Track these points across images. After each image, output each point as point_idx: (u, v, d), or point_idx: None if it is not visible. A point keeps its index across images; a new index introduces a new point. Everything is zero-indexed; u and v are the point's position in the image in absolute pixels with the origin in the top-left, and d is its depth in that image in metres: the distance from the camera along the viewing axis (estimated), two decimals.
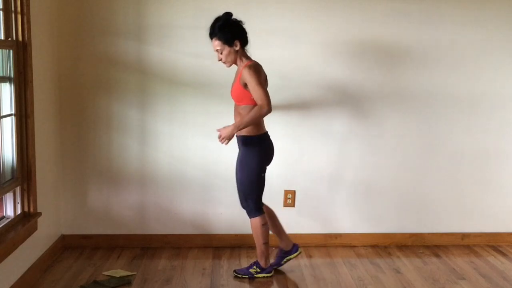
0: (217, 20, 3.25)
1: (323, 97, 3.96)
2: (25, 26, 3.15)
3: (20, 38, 3.15)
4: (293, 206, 4.07)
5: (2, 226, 3.06)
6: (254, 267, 3.52)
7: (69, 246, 3.95)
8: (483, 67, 4.05)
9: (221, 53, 3.26)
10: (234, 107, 3.39)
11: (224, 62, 3.31)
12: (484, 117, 4.11)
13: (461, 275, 3.66)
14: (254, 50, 3.85)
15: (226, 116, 3.81)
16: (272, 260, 3.65)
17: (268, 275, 3.53)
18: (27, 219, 3.26)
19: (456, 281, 3.56)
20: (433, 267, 3.80)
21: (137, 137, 3.90)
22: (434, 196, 4.16)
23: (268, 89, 3.86)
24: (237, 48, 3.25)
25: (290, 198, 4.05)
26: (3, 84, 3.11)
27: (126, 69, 3.81)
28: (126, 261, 3.75)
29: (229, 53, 3.25)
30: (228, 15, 3.27)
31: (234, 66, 3.36)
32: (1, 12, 3.06)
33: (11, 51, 3.11)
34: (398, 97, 4.01)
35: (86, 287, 3.31)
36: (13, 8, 3.11)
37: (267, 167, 3.48)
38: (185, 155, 3.95)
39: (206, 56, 3.76)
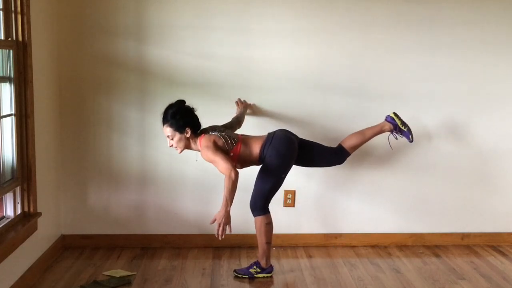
0: (170, 107, 3.36)
1: (323, 97, 3.96)
2: (25, 26, 3.15)
3: (20, 38, 3.15)
4: (293, 206, 4.07)
5: (2, 226, 3.06)
6: (254, 267, 3.53)
7: (69, 246, 3.95)
8: (484, 67, 4.05)
9: (172, 139, 3.36)
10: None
11: (175, 148, 3.40)
12: (484, 117, 4.11)
13: (461, 275, 3.66)
14: (254, 50, 3.86)
15: (225, 116, 3.81)
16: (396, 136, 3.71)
17: (268, 275, 3.53)
18: (27, 219, 3.25)
19: (456, 281, 3.56)
20: (433, 267, 3.80)
21: (137, 137, 3.90)
22: (434, 196, 4.16)
23: (268, 90, 3.89)
24: (188, 135, 3.35)
25: (290, 198, 4.05)
26: (3, 84, 3.11)
27: (126, 69, 3.81)
28: (126, 261, 3.75)
29: (180, 139, 3.36)
30: (181, 103, 3.38)
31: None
32: (1, 12, 3.06)
33: (11, 51, 3.11)
34: (398, 96, 4.01)
35: (86, 287, 3.31)
36: (13, 8, 3.11)
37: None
38: (185, 155, 3.93)
39: (206, 56, 3.77)
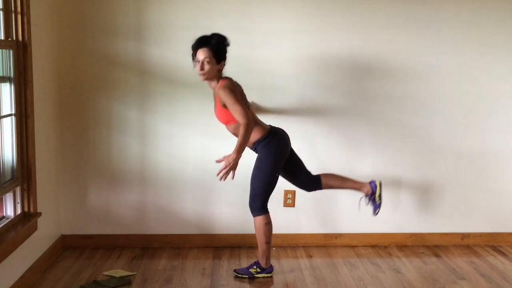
0: (216, 34, 3.28)
1: (323, 97, 3.96)
2: (25, 26, 3.15)
3: (20, 38, 3.15)
4: (293, 206, 4.07)
5: (2, 226, 3.06)
6: (255, 267, 3.53)
7: (69, 246, 3.95)
8: (484, 67, 4.05)
9: (205, 64, 3.25)
10: (226, 128, 3.44)
11: (203, 74, 3.28)
12: (484, 117, 4.11)
13: (461, 275, 3.67)
14: (254, 50, 3.86)
15: None
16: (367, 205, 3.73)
17: (268, 275, 3.53)
18: (27, 219, 3.25)
19: (456, 281, 3.56)
20: (433, 267, 3.80)
21: (137, 137, 3.90)
22: (434, 196, 4.16)
23: (269, 90, 3.89)
24: (221, 68, 3.30)
25: (290, 198, 4.05)
26: (3, 84, 3.11)
27: (126, 69, 3.81)
28: (126, 261, 3.75)
29: (212, 68, 3.27)
30: (226, 37, 3.31)
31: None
32: (1, 12, 3.06)
33: (11, 51, 3.11)
34: (398, 97, 4.01)
35: (86, 287, 3.31)
36: (13, 8, 3.11)
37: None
38: (185, 155, 3.95)
39: None
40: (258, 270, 3.52)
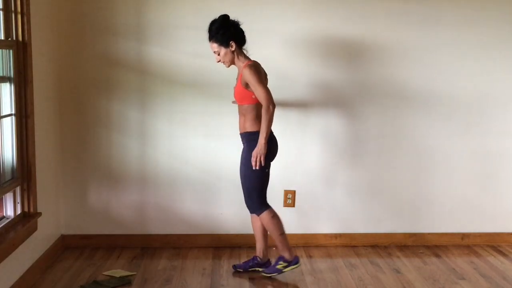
0: (213, 23, 3.32)
1: (323, 97, 3.96)
2: (25, 26, 3.15)
3: (20, 38, 3.15)
4: (293, 206, 4.07)
5: (2, 226, 3.06)
6: (281, 262, 3.47)
7: (69, 246, 3.95)
8: (483, 67, 4.04)
9: (219, 55, 3.34)
10: (238, 108, 3.41)
11: (223, 63, 3.38)
12: (484, 117, 4.11)
13: (461, 275, 3.66)
14: (254, 50, 3.85)
15: (226, 116, 3.82)
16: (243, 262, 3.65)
17: (296, 266, 3.47)
18: (27, 219, 3.25)
19: (456, 281, 3.56)
20: (433, 267, 3.80)
21: (137, 137, 3.90)
22: (434, 196, 4.16)
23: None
24: (233, 48, 3.30)
25: (290, 198, 4.05)
26: (3, 84, 3.11)
27: (126, 69, 3.81)
28: (126, 261, 3.75)
29: (226, 54, 3.32)
30: (224, 17, 3.33)
31: (234, 66, 3.39)
32: (1, 12, 3.06)
33: (11, 51, 3.11)
34: (398, 98, 4.00)
35: (86, 287, 3.31)
36: (13, 8, 3.11)
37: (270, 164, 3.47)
38: (185, 155, 3.95)
39: (206, 56, 3.75)
40: (285, 264, 3.47)
